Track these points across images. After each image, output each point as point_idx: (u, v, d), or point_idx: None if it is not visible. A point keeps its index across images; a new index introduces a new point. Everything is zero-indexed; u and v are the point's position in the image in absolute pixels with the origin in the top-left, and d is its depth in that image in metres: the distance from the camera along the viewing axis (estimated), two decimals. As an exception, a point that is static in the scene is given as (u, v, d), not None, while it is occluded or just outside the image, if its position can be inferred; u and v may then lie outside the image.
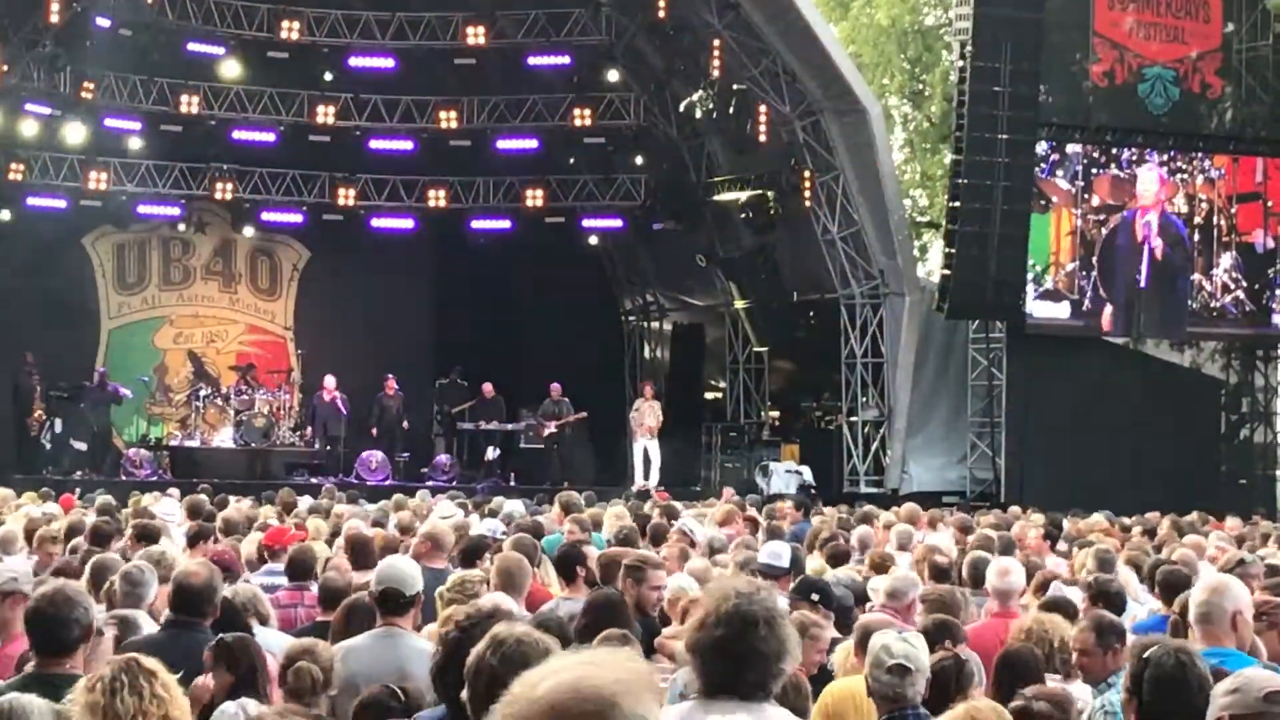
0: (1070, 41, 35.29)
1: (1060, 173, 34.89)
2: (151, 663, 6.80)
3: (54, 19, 31.29)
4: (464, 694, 5.88)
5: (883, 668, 7.66)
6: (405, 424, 36.40)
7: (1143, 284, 35.19)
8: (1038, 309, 34.57)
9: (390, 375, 36.28)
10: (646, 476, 34.17)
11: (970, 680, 8.22)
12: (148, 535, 14.46)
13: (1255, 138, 36.77)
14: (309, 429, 35.78)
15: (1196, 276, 35.67)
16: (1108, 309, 34.97)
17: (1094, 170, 35.04)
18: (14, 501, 21.36)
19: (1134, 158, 35.29)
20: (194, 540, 15.34)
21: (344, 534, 16.19)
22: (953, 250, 33.90)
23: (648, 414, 35.35)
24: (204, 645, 8.86)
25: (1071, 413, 34.37)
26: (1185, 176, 35.63)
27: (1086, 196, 34.97)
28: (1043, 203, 34.53)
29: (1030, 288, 34.33)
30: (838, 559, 14.62)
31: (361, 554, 13.67)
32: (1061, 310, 34.81)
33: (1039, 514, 22.96)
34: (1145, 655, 6.92)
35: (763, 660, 5.86)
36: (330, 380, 35.62)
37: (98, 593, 10.62)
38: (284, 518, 19.87)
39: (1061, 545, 18.60)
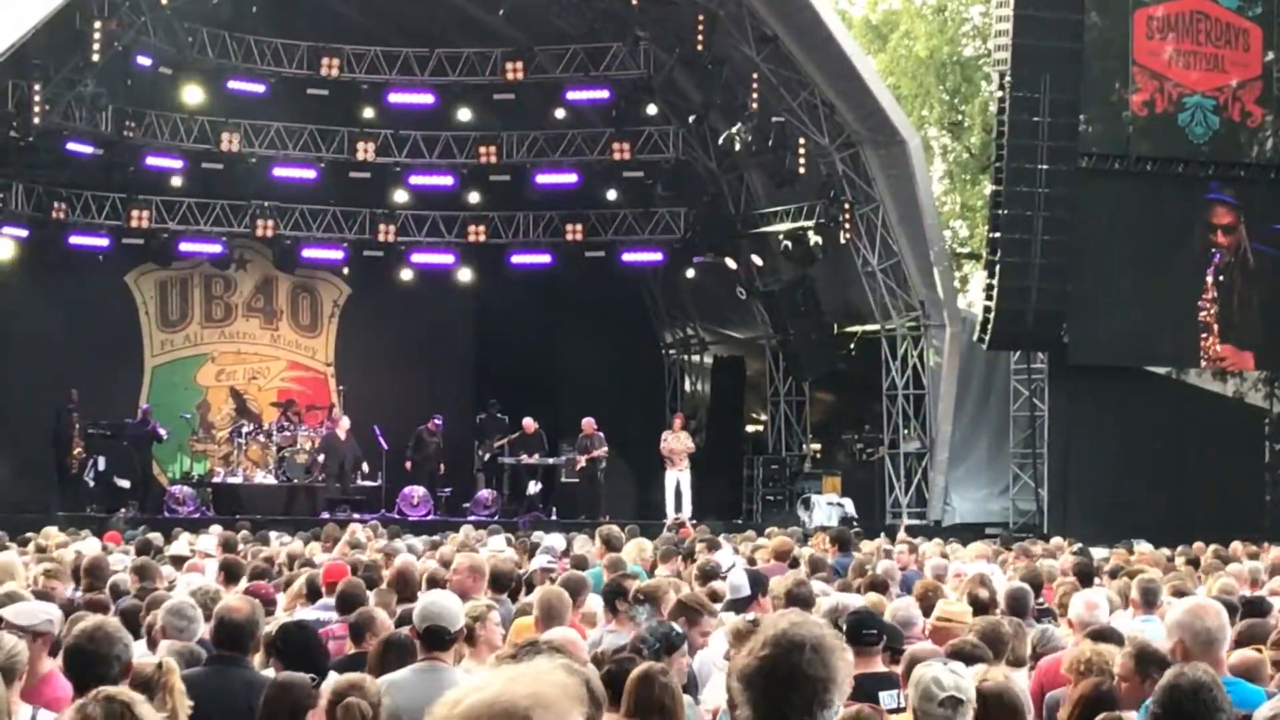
0: (1109, 71, 35.14)
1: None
2: (128, 695, 6.58)
3: (95, 58, 31.46)
4: None
5: (934, 701, 7.41)
6: (441, 468, 36.32)
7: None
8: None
9: (436, 416, 36.21)
10: (679, 509, 33.96)
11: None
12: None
13: None
14: (320, 465, 35.51)
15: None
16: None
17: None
18: (55, 538, 21.45)
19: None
20: (229, 577, 15.20)
21: (392, 567, 16.18)
22: (993, 281, 33.91)
23: (677, 445, 35.13)
24: (247, 679, 9.02)
25: (1114, 443, 34.32)
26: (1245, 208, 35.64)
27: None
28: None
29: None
30: (881, 590, 14.40)
31: (405, 586, 13.72)
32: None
33: (1072, 546, 22.94)
34: (1170, 678, 7.04)
35: (810, 684, 5.68)
36: (345, 420, 35.54)
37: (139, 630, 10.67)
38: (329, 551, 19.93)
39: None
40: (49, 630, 9.05)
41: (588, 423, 35.39)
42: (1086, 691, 8.66)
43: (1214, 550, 22.13)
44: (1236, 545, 23.95)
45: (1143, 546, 23.66)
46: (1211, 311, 35.02)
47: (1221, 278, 35.15)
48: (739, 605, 12.46)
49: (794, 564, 18.11)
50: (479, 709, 3.47)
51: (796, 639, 5.76)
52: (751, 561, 19.09)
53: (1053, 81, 33.33)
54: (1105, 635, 10.32)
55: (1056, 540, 25.50)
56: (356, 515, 31.74)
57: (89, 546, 19.85)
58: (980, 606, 13.19)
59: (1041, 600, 14.62)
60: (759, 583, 13.46)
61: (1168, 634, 8.75)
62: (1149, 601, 13.26)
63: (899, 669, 9.48)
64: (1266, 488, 36.93)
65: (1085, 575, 17.72)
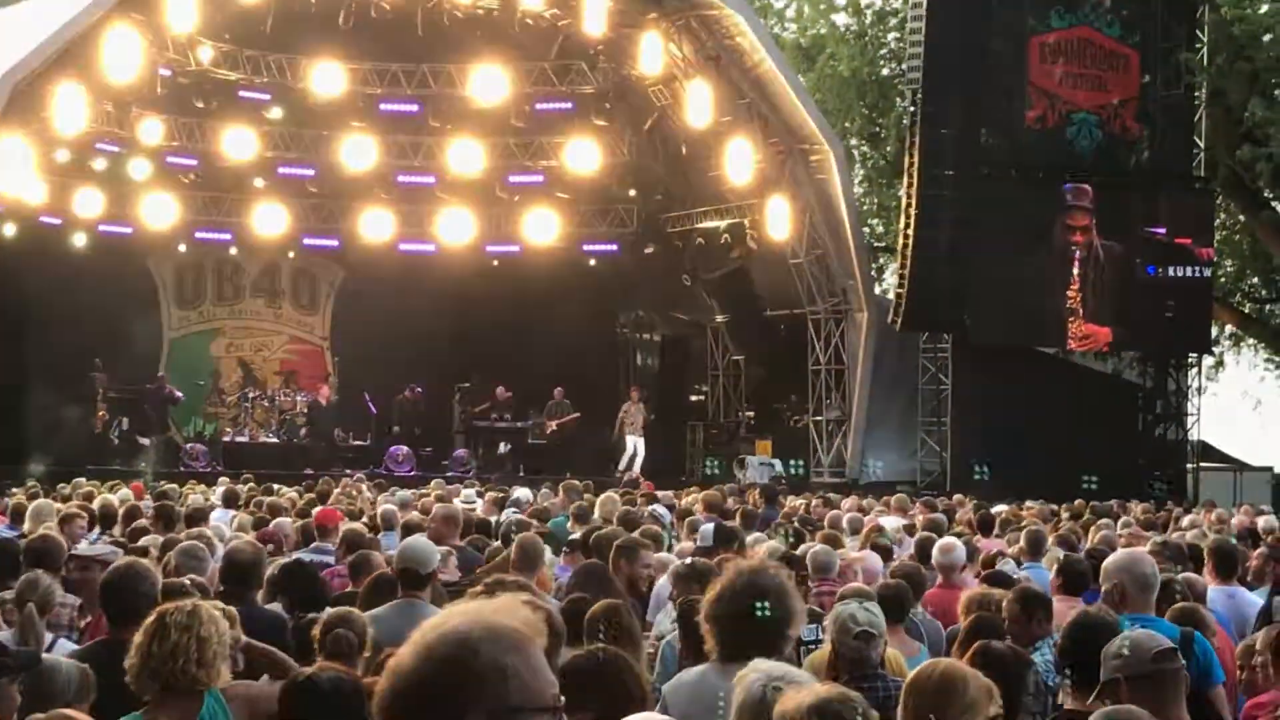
0: (1007, 90, 35.14)
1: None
2: (210, 609, 6.74)
3: (130, 74, 31.59)
4: None
5: (850, 634, 7.50)
6: (417, 431, 36.55)
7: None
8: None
9: (416, 384, 36.62)
10: (631, 468, 34.35)
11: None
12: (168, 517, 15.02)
13: (1167, 175, 36.77)
14: (305, 428, 35.89)
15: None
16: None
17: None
18: (83, 489, 21.69)
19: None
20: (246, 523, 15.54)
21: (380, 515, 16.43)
22: (905, 271, 34.19)
23: (634, 414, 35.68)
24: (248, 613, 8.62)
25: (1009, 414, 34.31)
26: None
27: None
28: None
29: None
30: (801, 540, 14.23)
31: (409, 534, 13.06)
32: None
33: (973, 502, 23.37)
34: (1076, 617, 7.20)
35: (769, 630, 6.00)
36: (325, 388, 36.04)
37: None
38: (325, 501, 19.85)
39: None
40: (113, 558, 9.26)
41: (558, 391, 35.90)
42: (972, 623, 8.71)
43: (1093, 507, 22.61)
44: (1113, 503, 24.39)
45: (1031, 503, 23.64)
46: (1075, 298, 35.30)
47: (1081, 269, 35.35)
48: (704, 553, 12.17)
49: (725, 515, 17.96)
50: (437, 641, 3.26)
51: (760, 587, 6.09)
52: (687, 513, 18.89)
53: (958, 99, 33.73)
54: (997, 580, 10.65)
55: (958, 497, 25.71)
56: (348, 471, 31.88)
57: (124, 495, 19.94)
58: (882, 551, 13.41)
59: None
60: (724, 537, 13.50)
61: (1104, 577, 8.74)
62: (1035, 550, 13.54)
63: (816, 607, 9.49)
64: (1139, 453, 37.12)
65: (985, 525, 17.92)
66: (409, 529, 13.45)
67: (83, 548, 9.81)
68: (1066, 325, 35.50)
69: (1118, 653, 6.16)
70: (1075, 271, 35.37)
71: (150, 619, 6.47)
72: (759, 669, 5.09)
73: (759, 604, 6.01)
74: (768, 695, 4.88)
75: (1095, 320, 35.62)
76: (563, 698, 3.35)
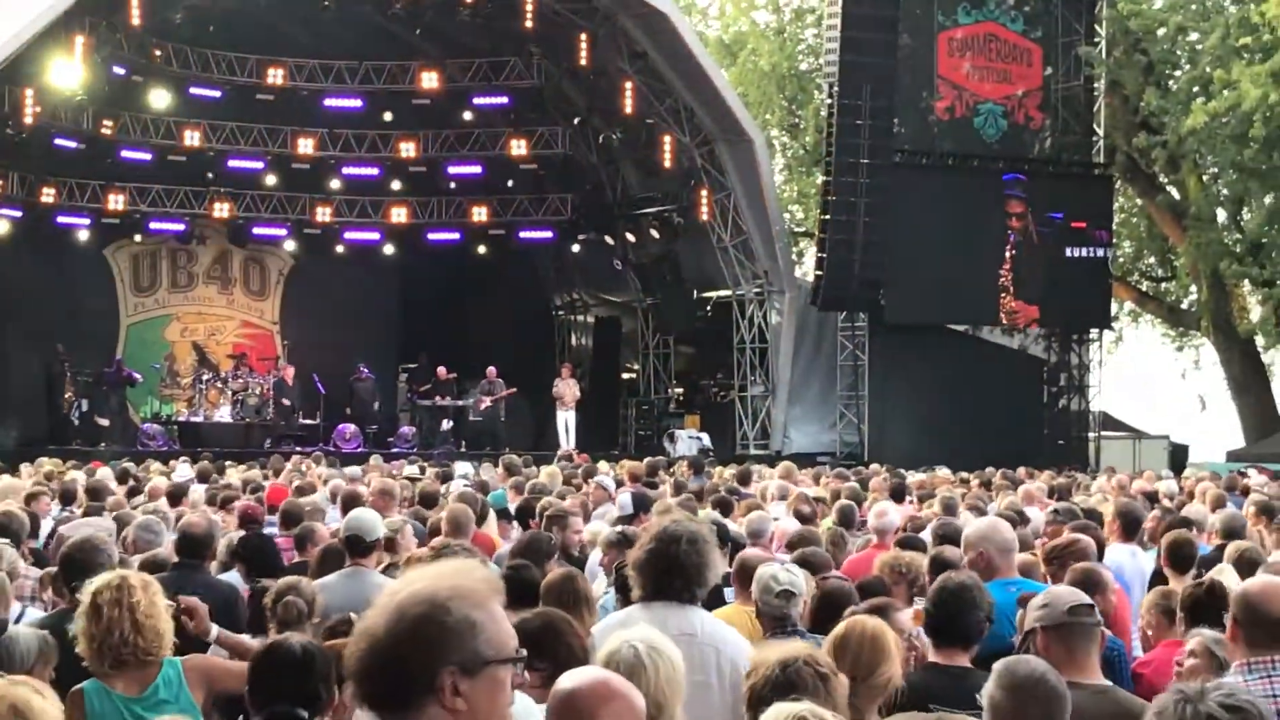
0: (918, 83, 35.21)
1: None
2: (139, 578, 6.75)
3: (79, 69, 31.11)
4: None
5: (771, 593, 7.58)
6: (377, 404, 36.41)
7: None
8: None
9: (362, 365, 36.30)
10: (568, 442, 34.14)
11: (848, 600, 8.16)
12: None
13: (1068, 162, 37.08)
14: (272, 406, 35.49)
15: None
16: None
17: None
18: (44, 468, 21.44)
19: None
20: (211, 499, 15.45)
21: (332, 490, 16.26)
22: (824, 255, 34.12)
23: (565, 390, 35.35)
24: (205, 581, 9.07)
25: (922, 388, 34.49)
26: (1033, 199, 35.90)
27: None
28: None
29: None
30: (728, 508, 14.35)
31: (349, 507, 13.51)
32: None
33: (888, 470, 23.11)
34: (940, 581, 7.10)
35: (687, 570, 6.12)
36: (290, 369, 35.75)
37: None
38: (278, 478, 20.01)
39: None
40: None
41: (491, 371, 35.62)
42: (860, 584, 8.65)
43: (1001, 474, 22.45)
44: (1020, 470, 24.30)
45: (943, 471, 23.71)
46: (1008, 277, 35.42)
47: (1014, 251, 35.50)
48: (625, 520, 12.41)
49: (650, 485, 17.92)
50: (408, 601, 3.38)
51: (675, 533, 6.22)
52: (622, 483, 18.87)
53: (872, 91, 33.45)
54: (910, 543, 10.53)
55: (874, 466, 25.54)
56: (299, 448, 31.53)
57: (104, 474, 19.79)
58: (804, 518, 13.30)
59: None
60: (642, 503, 13.59)
61: (965, 547, 8.82)
62: (949, 513, 13.54)
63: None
64: (1044, 423, 37.35)
65: (898, 492, 17.76)
66: (347, 503, 13.13)
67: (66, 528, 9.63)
68: (998, 302, 35.72)
69: (1039, 605, 6.22)
70: (1009, 253, 35.63)
71: (84, 602, 6.49)
72: (638, 632, 5.16)
73: (676, 545, 6.14)
74: (631, 653, 4.94)
75: (1024, 298, 35.93)
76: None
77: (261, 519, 13.00)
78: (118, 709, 6.41)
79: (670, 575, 6.14)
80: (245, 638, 7.84)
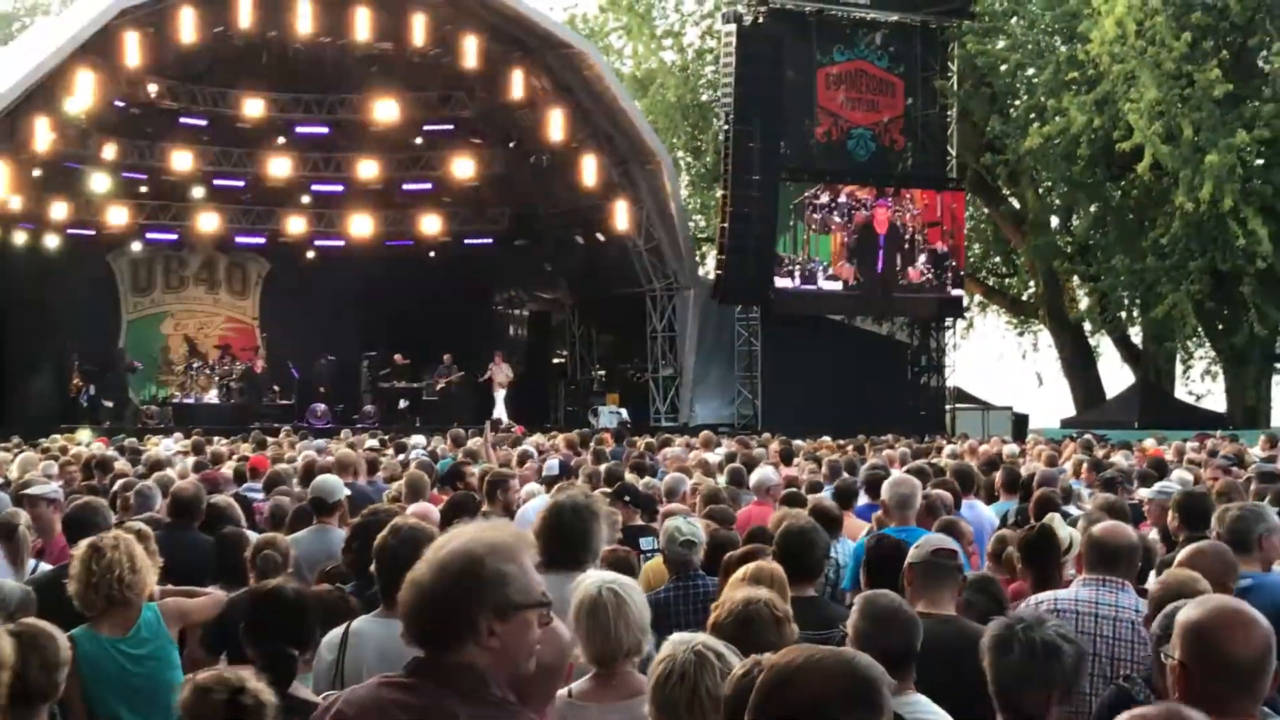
0: (801, 111, 35.22)
1: (836, 212, 35.50)
2: (139, 530, 6.82)
3: (88, 101, 31.02)
4: (372, 566, 5.79)
5: (676, 542, 7.53)
6: (329, 387, 36.19)
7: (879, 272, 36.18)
8: (827, 286, 35.52)
9: (330, 355, 36.45)
10: (503, 419, 34.28)
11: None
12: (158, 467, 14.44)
13: (926, 177, 37.13)
14: (248, 389, 35.47)
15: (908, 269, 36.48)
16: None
17: (851, 209, 35.71)
18: (61, 441, 21.57)
19: (870, 200, 35.79)
20: (196, 468, 15.11)
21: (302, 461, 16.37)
22: (723, 257, 34.36)
23: (497, 373, 35.48)
24: (193, 540, 8.85)
25: (806, 369, 34.47)
26: (898, 209, 36.17)
27: (848, 223, 35.79)
28: (828, 227, 35.37)
29: (821, 276, 35.26)
30: (644, 471, 14.22)
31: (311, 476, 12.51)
32: (838, 286, 35.76)
33: (779, 438, 23.67)
34: (784, 526, 7.15)
35: (574, 537, 5.97)
36: (260, 361, 35.97)
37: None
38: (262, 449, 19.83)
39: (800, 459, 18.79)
40: (58, 498, 9.30)
41: (446, 357, 35.70)
42: (747, 536, 8.48)
43: (871, 441, 23.03)
44: (888, 436, 24.94)
45: (825, 438, 23.72)
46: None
47: (886, 250, 35.87)
48: (551, 481, 12.28)
49: (577, 453, 18.14)
50: (449, 558, 3.39)
51: (562, 504, 6.12)
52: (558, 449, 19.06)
53: (762, 119, 33.60)
54: (794, 500, 10.55)
55: (766, 435, 25.70)
56: (275, 424, 31.58)
57: (97, 449, 19.61)
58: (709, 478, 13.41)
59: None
60: (566, 470, 13.63)
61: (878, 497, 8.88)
62: (833, 476, 13.80)
63: (658, 524, 9.32)
64: (908, 398, 37.40)
65: (786, 456, 18.16)
66: (309, 473, 12.71)
67: (34, 489, 9.57)
68: (876, 291, 36.15)
69: (915, 546, 6.29)
70: (881, 253, 35.96)
71: (83, 547, 6.37)
72: (594, 576, 5.23)
73: (561, 517, 6.02)
74: (602, 594, 5.04)
75: (890, 289, 36.30)
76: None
77: (222, 484, 12.70)
78: (105, 649, 6.30)
79: (559, 541, 5.87)
80: (192, 589, 7.38)
